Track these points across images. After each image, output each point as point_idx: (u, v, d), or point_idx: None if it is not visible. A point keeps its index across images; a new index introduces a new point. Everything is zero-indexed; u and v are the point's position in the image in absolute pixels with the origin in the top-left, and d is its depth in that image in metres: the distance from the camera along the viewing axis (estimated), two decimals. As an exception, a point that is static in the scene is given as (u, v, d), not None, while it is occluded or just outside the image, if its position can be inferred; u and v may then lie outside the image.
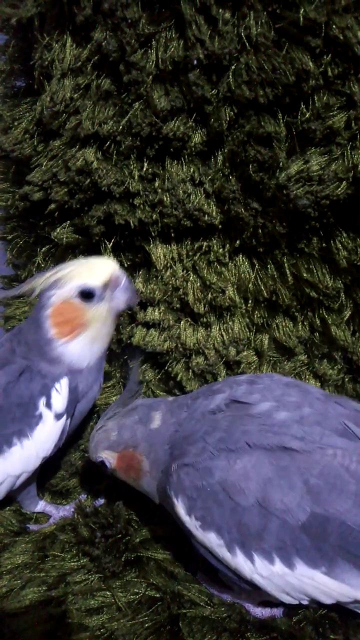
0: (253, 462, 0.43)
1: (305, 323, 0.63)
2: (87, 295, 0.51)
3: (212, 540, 0.44)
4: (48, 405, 0.53)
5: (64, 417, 0.54)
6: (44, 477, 0.64)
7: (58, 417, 0.54)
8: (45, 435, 0.53)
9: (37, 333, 0.53)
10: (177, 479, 0.45)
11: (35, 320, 0.53)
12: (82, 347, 0.53)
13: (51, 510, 0.61)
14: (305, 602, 0.45)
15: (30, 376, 0.53)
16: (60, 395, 0.53)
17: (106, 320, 0.53)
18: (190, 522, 0.45)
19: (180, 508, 0.45)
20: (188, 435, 0.47)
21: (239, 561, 0.43)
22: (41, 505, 0.61)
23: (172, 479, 0.46)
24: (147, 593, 0.50)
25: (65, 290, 0.51)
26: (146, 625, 0.47)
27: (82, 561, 0.53)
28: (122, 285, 0.52)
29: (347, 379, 0.64)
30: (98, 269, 0.51)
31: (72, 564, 0.53)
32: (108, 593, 0.50)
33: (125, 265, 0.65)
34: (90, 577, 0.52)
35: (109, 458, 0.52)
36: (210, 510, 0.44)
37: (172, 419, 0.49)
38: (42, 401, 0.53)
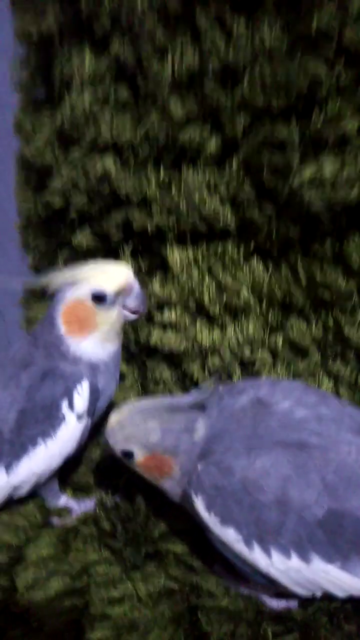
0: (272, 461, 0.45)
1: (318, 324, 0.64)
2: (99, 298, 0.52)
3: (230, 535, 0.46)
4: (70, 407, 0.55)
5: (86, 417, 0.56)
6: (66, 473, 0.66)
7: (80, 417, 0.56)
8: (68, 435, 0.56)
9: (51, 332, 0.55)
10: (197, 478, 0.47)
11: (49, 318, 0.55)
12: (94, 346, 0.55)
13: (73, 505, 0.62)
14: (318, 595, 0.46)
15: (53, 379, 0.55)
16: (81, 397, 0.55)
17: (114, 325, 0.55)
18: (210, 519, 0.46)
19: (200, 505, 0.47)
20: (216, 434, 0.48)
21: (256, 555, 0.45)
22: (63, 500, 0.63)
23: (193, 478, 0.47)
24: (166, 584, 0.52)
25: (79, 290, 0.53)
26: (166, 615, 0.49)
27: (103, 554, 0.55)
28: (134, 293, 0.54)
29: (360, 378, 0.65)
30: (114, 275, 0.53)
31: (95, 556, 0.55)
32: (129, 584, 0.52)
33: (143, 269, 0.67)
34: (111, 568, 0.54)
35: (138, 454, 0.51)
36: (230, 507, 0.45)
37: (208, 423, 0.49)
38: (64, 403, 0.54)
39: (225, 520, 0.46)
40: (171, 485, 0.51)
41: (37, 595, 0.52)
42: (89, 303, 0.53)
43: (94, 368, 0.56)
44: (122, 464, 0.56)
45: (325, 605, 0.48)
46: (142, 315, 0.57)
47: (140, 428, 0.50)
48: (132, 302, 0.54)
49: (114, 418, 0.52)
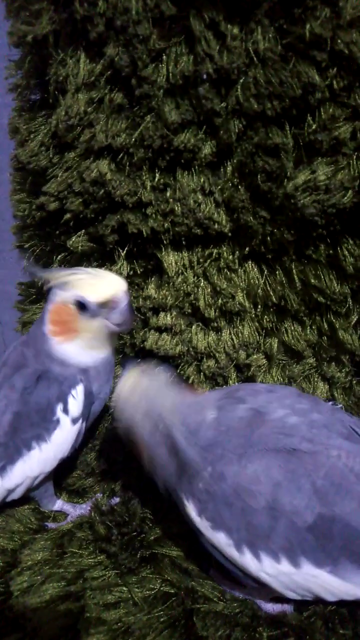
0: (263, 466, 0.45)
1: (313, 327, 0.64)
2: (81, 306, 0.52)
3: (221, 540, 0.46)
4: (65, 410, 0.55)
5: (80, 420, 0.56)
6: (61, 476, 0.66)
7: (74, 421, 0.56)
8: (62, 438, 0.56)
9: (40, 328, 0.56)
10: (189, 482, 0.47)
11: (41, 316, 0.56)
12: (78, 351, 0.55)
13: (68, 509, 0.63)
14: (309, 599, 0.46)
15: (47, 383, 0.55)
16: (76, 401, 0.55)
17: (98, 335, 0.54)
18: (201, 523, 0.47)
19: (191, 510, 0.47)
20: (211, 443, 0.48)
21: (247, 560, 0.45)
22: (59, 504, 0.63)
23: (184, 482, 0.47)
24: (162, 589, 0.52)
25: (66, 294, 0.53)
26: (161, 619, 0.49)
27: (99, 558, 0.55)
28: (120, 309, 0.52)
29: (354, 382, 0.66)
30: (101, 287, 0.52)
31: (90, 560, 0.55)
32: (124, 588, 0.52)
33: (138, 272, 0.67)
34: (107, 573, 0.54)
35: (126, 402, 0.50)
36: (221, 512, 0.45)
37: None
38: (59, 407, 0.55)
39: (216, 525, 0.46)
40: (161, 466, 0.50)
41: (32, 599, 0.52)
42: (72, 308, 0.53)
43: (84, 372, 0.56)
44: (119, 469, 0.57)
45: (321, 610, 0.48)
46: (126, 331, 0.55)
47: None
48: (117, 317, 0.53)
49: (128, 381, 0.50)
